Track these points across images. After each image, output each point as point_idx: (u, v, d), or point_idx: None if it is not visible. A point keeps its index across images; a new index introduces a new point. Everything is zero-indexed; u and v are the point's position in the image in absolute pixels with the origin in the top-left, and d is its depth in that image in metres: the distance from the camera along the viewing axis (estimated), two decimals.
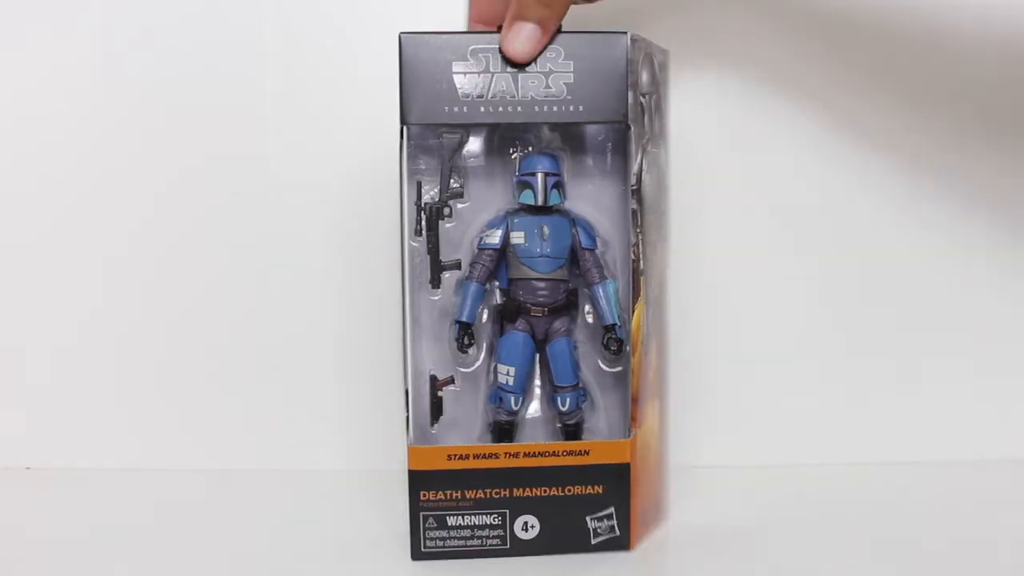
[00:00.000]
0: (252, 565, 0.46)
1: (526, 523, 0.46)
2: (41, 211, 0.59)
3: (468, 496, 0.46)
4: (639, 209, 0.46)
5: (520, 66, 0.44)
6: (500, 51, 0.44)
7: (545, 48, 0.44)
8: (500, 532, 0.46)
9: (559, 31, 0.44)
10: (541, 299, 0.47)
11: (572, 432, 0.48)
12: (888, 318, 0.59)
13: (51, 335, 0.59)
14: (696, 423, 0.58)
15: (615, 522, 0.47)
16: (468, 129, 0.47)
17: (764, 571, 0.45)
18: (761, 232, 0.59)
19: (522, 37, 0.44)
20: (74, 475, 0.58)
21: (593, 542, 0.47)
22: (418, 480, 0.46)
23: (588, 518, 0.47)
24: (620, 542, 0.47)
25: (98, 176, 0.59)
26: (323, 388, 0.59)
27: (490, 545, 0.46)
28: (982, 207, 0.59)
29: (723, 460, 0.59)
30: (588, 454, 0.46)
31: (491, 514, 0.46)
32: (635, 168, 0.46)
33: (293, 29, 0.58)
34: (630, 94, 0.45)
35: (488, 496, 0.46)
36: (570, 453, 0.46)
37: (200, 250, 0.59)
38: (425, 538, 0.46)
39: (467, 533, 0.46)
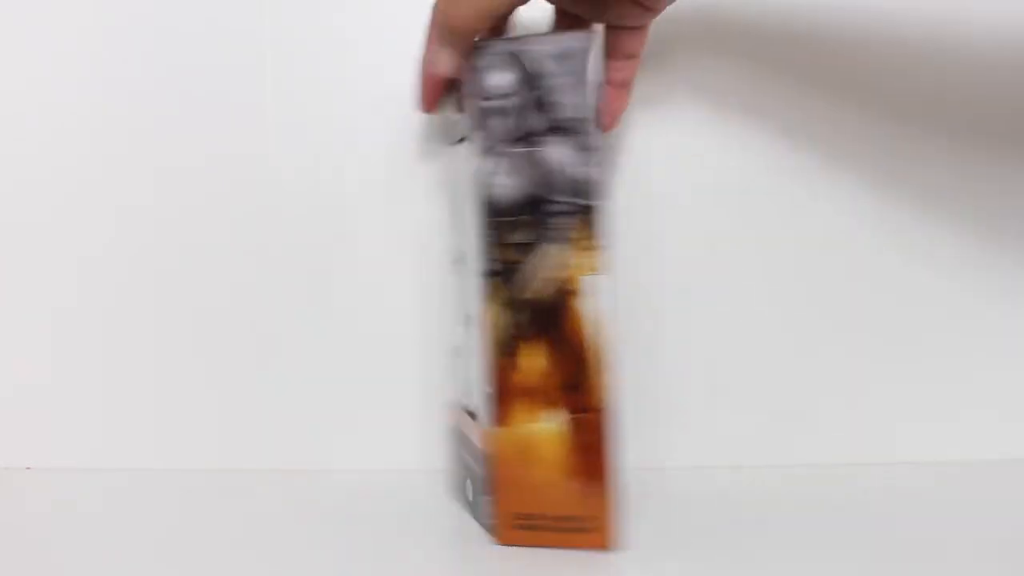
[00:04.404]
0: (252, 566, 0.46)
1: None
2: (41, 209, 0.59)
3: None
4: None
5: None
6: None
7: None
8: None
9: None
10: None
11: None
12: (886, 316, 0.59)
13: (51, 334, 0.59)
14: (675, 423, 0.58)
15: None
16: None
17: (756, 572, 0.45)
18: (743, 223, 0.59)
19: None
20: (74, 475, 0.58)
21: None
22: None
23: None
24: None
25: (98, 175, 0.59)
26: (320, 388, 0.59)
27: None
28: (983, 204, 0.59)
29: (699, 461, 0.59)
30: None
31: None
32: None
33: (293, 28, 0.58)
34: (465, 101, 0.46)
35: None
36: None
37: (203, 249, 0.59)
38: None
39: None
